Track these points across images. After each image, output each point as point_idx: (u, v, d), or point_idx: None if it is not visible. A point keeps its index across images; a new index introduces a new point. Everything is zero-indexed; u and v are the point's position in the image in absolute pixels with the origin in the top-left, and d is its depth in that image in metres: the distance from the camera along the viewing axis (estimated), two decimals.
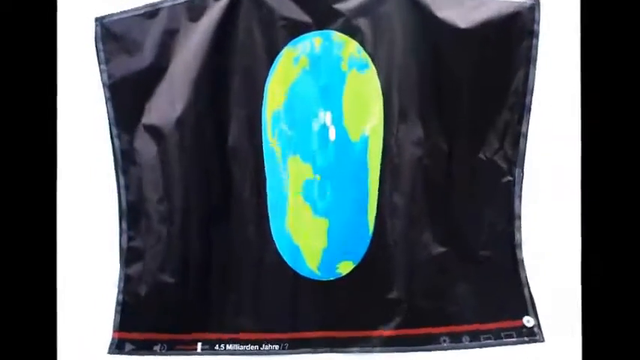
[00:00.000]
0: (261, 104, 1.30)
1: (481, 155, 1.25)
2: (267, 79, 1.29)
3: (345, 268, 1.34)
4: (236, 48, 1.28)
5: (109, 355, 1.28)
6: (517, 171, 1.24)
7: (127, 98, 1.26)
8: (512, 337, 1.25)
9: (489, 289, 1.29)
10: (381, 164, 1.29)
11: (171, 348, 1.31)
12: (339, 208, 1.31)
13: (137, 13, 1.27)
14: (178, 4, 1.27)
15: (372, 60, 1.27)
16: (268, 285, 1.35)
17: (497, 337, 1.26)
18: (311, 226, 1.32)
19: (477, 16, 1.21)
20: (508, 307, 1.27)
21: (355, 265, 1.32)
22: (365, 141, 1.28)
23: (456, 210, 1.28)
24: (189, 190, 1.28)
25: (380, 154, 1.29)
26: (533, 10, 1.24)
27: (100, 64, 1.26)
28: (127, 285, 1.29)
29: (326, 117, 1.28)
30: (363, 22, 1.27)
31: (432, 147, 1.27)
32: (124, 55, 1.26)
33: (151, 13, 1.26)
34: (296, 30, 1.28)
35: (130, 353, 1.29)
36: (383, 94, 1.27)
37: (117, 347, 1.29)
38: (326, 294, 1.34)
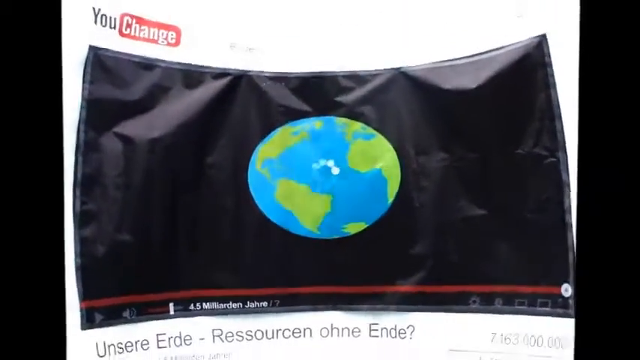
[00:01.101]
0: (249, 159, 1.31)
1: (519, 151, 1.23)
2: (259, 144, 1.31)
3: (354, 228, 1.30)
4: (228, 120, 1.30)
5: (83, 331, 1.18)
6: (560, 154, 1.20)
7: (102, 115, 1.22)
8: (547, 307, 1.19)
9: (533, 249, 1.22)
10: (402, 173, 1.30)
11: (142, 313, 1.22)
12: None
13: (133, 59, 1.24)
14: (174, 68, 1.26)
15: (379, 132, 1.30)
16: (250, 240, 1.29)
17: (532, 304, 1.20)
18: (308, 199, 1.30)
19: (485, 74, 1.22)
20: (550, 270, 1.20)
21: (368, 225, 1.29)
22: (377, 170, 1.30)
23: (495, 182, 1.25)
24: (153, 172, 1.23)
25: (399, 177, 1.29)
26: (542, 45, 1.21)
27: (83, 82, 1.21)
28: (83, 247, 1.20)
29: (327, 162, 1.31)
30: (366, 109, 1.31)
31: (459, 157, 1.26)
32: (109, 85, 1.22)
33: (146, 65, 1.25)
34: (294, 115, 1.32)
35: (101, 325, 1.19)
36: (395, 149, 1.29)
37: (87, 320, 1.19)
38: (327, 250, 1.29)
